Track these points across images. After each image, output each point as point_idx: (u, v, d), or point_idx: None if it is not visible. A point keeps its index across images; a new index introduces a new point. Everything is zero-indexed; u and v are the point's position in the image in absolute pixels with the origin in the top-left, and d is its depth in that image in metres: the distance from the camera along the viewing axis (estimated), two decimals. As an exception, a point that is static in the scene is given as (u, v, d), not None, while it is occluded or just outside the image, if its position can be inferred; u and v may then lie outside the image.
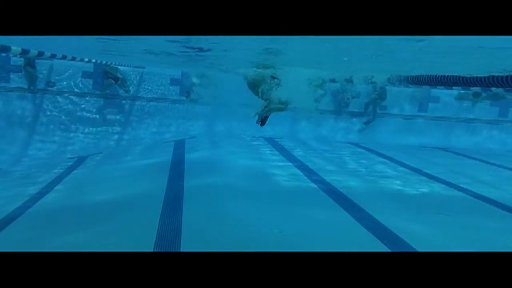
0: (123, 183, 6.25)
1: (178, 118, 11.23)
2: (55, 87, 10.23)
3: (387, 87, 11.30)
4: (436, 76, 4.59)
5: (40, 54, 5.39)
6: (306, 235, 4.27)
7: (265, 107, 5.69)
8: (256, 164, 7.71)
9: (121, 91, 10.72)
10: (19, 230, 4.38)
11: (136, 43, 4.23)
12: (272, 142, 10.36)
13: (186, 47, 4.19)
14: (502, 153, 10.82)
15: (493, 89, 8.55)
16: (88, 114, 10.55)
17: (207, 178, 6.32)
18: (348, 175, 7.19)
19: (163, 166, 7.18)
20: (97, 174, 7.08)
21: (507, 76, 3.68)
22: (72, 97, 10.40)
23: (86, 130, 10.44)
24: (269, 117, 5.98)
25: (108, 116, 10.73)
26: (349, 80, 10.56)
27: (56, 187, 6.16)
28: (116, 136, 10.63)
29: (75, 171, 7.38)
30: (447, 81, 4.43)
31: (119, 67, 10.26)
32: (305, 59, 5.04)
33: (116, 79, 10.40)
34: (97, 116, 10.63)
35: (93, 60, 8.91)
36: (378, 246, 4.02)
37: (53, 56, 6.09)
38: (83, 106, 10.51)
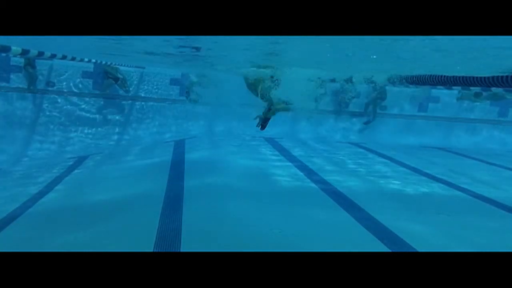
0: (123, 183, 6.24)
1: (178, 118, 11.22)
2: (55, 87, 10.23)
3: (387, 87, 11.30)
4: (436, 76, 4.60)
5: (40, 54, 5.40)
6: (306, 235, 4.27)
7: (269, 109, 5.63)
8: (256, 164, 7.71)
9: (121, 91, 10.71)
10: (19, 230, 4.37)
11: (135, 43, 4.23)
12: (272, 142, 10.36)
13: (185, 47, 4.20)
14: (502, 153, 10.82)
15: (493, 89, 8.55)
16: (88, 114, 10.54)
17: (207, 178, 6.32)
18: (348, 175, 7.19)
19: (163, 166, 7.18)
20: (97, 174, 7.08)
21: (507, 76, 3.68)
22: (72, 97, 10.40)
23: (86, 130, 10.43)
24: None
25: (108, 116, 10.72)
26: (349, 80, 10.58)
27: (56, 187, 6.15)
28: (116, 136, 10.62)
29: (75, 171, 7.38)
30: (447, 81, 4.43)
31: (119, 67, 10.26)
32: (305, 59, 5.04)
33: (116, 79, 10.39)
34: (97, 116, 10.62)
35: (93, 60, 8.92)
36: (378, 246, 4.02)
37: (53, 56, 6.10)
38: (83, 106, 10.50)
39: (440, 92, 11.57)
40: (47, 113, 10.18)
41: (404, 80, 5.81)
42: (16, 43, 4.37)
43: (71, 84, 10.34)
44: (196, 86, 9.73)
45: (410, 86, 8.46)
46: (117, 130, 10.72)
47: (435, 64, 4.44)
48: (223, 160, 7.80)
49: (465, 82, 4.27)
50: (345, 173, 7.32)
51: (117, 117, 10.80)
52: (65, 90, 10.31)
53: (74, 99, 10.42)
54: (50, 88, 10.20)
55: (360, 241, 4.21)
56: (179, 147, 9.22)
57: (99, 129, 10.55)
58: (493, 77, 3.84)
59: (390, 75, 6.47)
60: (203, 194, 5.51)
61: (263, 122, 5.84)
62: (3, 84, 9.85)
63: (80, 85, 10.42)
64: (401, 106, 12.10)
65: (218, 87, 8.97)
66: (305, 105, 7.79)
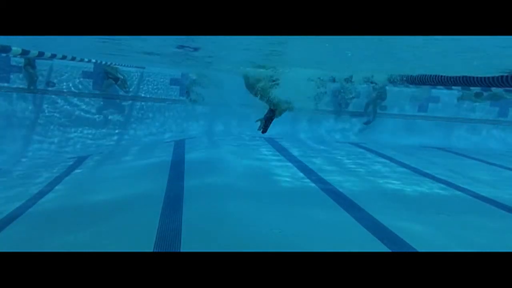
0: (123, 183, 6.24)
1: (178, 118, 11.23)
2: (55, 87, 10.23)
3: (387, 87, 11.30)
4: (436, 76, 4.59)
5: (40, 54, 5.40)
6: (306, 235, 4.27)
7: (271, 110, 5.59)
8: (256, 164, 7.71)
9: (121, 91, 10.72)
10: (19, 230, 4.37)
11: (135, 43, 4.23)
12: (272, 142, 10.36)
13: (184, 47, 4.19)
14: (502, 153, 10.83)
15: (493, 89, 8.55)
16: (88, 114, 10.54)
17: (207, 178, 6.32)
18: (348, 175, 7.19)
19: (163, 166, 7.18)
20: (97, 174, 7.07)
21: (507, 76, 3.68)
22: (72, 97, 10.40)
23: (86, 130, 10.43)
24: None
25: (108, 116, 10.72)
26: (349, 80, 10.57)
27: (56, 187, 6.15)
28: (116, 136, 10.63)
29: (75, 171, 7.38)
30: (447, 81, 4.43)
31: (119, 67, 10.26)
32: (305, 59, 5.04)
33: (116, 79, 10.40)
34: (97, 116, 10.62)
35: (93, 60, 8.91)
36: (378, 246, 4.02)
37: (53, 56, 6.09)
38: (83, 106, 10.50)
39: (440, 92, 11.58)
40: (47, 113, 10.18)
41: (404, 80, 5.81)
42: (16, 43, 4.37)
43: (71, 84, 10.34)
44: (196, 86, 9.74)
45: (410, 86, 8.47)
46: (117, 130, 10.73)
47: (435, 64, 4.44)
48: (223, 160, 7.80)
49: (465, 82, 4.27)
50: (345, 173, 7.32)
51: (117, 117, 10.80)
52: (65, 90, 10.31)
53: (74, 99, 10.42)
54: (50, 88, 10.20)
55: (360, 241, 4.21)
56: (179, 147, 9.22)
57: (99, 129, 10.56)
58: (493, 77, 3.84)
59: (390, 75, 6.46)
60: (203, 194, 5.51)
61: (265, 125, 5.82)
62: (3, 84, 9.85)
63: (80, 85, 10.42)
64: (401, 106, 12.10)
65: (218, 87, 8.97)
66: (305, 105, 7.78)
